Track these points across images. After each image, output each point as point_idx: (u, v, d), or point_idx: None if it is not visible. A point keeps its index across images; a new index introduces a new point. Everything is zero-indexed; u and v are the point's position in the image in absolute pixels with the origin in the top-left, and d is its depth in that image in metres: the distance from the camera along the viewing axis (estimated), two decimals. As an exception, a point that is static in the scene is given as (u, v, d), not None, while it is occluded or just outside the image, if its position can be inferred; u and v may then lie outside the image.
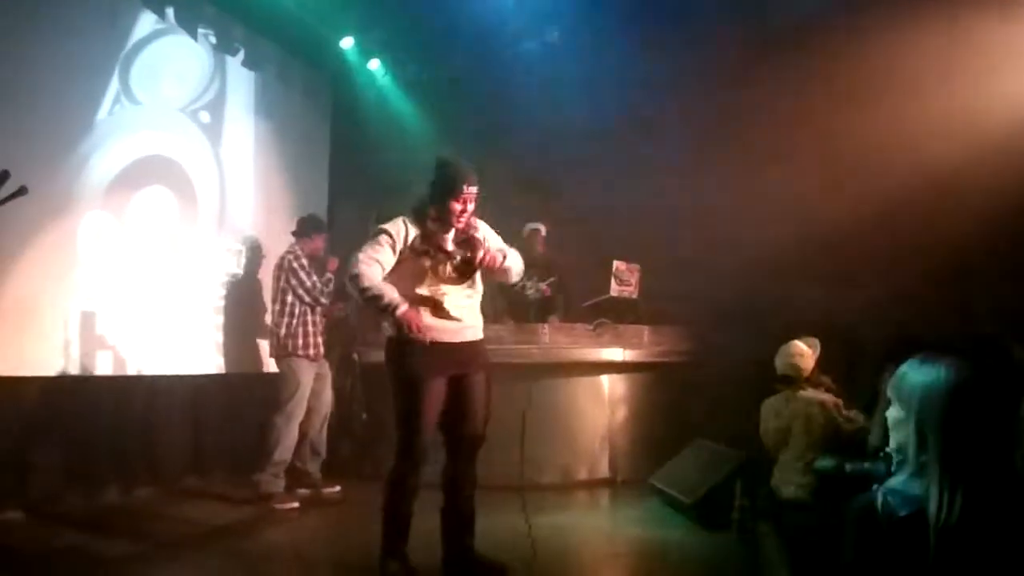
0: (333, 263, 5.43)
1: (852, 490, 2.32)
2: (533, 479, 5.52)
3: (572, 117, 6.84)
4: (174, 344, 5.55)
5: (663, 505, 4.90)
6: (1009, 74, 5.59)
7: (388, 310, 3.32)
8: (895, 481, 2.02)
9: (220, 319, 5.96)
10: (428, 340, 3.33)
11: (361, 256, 3.36)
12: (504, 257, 3.56)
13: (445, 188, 3.46)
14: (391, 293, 3.34)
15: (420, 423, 3.42)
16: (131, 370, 5.22)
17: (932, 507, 1.88)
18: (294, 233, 5.51)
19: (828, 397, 4.07)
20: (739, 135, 6.23)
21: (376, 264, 3.36)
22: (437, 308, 3.45)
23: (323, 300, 5.33)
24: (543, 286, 6.45)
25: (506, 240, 6.51)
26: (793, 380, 4.16)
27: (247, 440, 5.69)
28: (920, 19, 5.67)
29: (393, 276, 3.42)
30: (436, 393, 3.43)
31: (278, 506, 5.00)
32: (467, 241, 3.51)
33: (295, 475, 5.26)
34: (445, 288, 3.47)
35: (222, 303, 5.99)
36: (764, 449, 4.26)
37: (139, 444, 5.26)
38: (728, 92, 6.29)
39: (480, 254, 3.46)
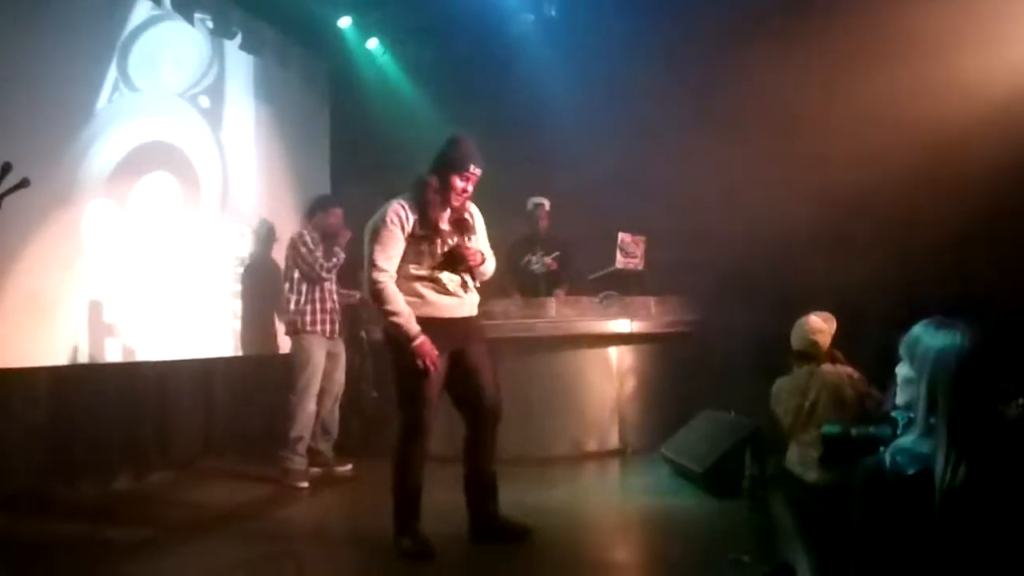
0: (345, 235, 5.44)
1: (858, 454, 2.30)
2: (544, 451, 5.59)
3: (573, 90, 6.81)
4: (182, 329, 5.58)
5: (674, 474, 4.93)
6: (1011, 42, 5.54)
7: (407, 338, 3.38)
8: (904, 440, 2.04)
9: (227, 302, 6.00)
10: (431, 369, 3.40)
11: (377, 261, 3.41)
12: (483, 260, 3.63)
13: (452, 161, 3.51)
14: (411, 321, 3.40)
15: (423, 400, 3.45)
16: (141, 356, 5.25)
17: (938, 468, 1.90)
18: (307, 215, 5.62)
19: (852, 371, 3.95)
20: (741, 104, 6.18)
21: (392, 263, 3.43)
22: (436, 284, 3.51)
23: (324, 275, 5.33)
24: (548, 260, 6.45)
25: (508, 214, 6.59)
26: (812, 357, 4.01)
27: (259, 421, 5.75)
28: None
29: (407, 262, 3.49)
30: (438, 370, 3.45)
31: (292, 483, 5.08)
32: (459, 223, 3.58)
33: (308, 454, 5.31)
34: (445, 274, 3.53)
35: (229, 286, 6.03)
36: (777, 429, 4.15)
37: (151, 429, 5.30)
38: (729, 61, 6.23)
39: (467, 240, 3.57)
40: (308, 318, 5.30)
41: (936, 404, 1.97)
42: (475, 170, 3.52)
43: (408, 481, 3.51)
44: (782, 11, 6.02)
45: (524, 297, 6.27)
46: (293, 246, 5.39)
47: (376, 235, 3.45)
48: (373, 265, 3.41)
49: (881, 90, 5.76)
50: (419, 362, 3.36)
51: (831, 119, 5.86)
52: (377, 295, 3.40)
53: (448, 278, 3.54)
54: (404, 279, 3.48)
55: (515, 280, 6.46)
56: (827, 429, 3.59)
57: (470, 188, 3.56)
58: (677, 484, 4.80)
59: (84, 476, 4.76)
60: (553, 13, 7.28)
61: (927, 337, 2.04)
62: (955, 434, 1.92)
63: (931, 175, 5.44)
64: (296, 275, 5.34)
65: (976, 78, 5.48)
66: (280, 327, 5.77)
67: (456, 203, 3.56)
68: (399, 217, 3.46)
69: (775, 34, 6.01)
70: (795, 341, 4.08)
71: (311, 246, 5.34)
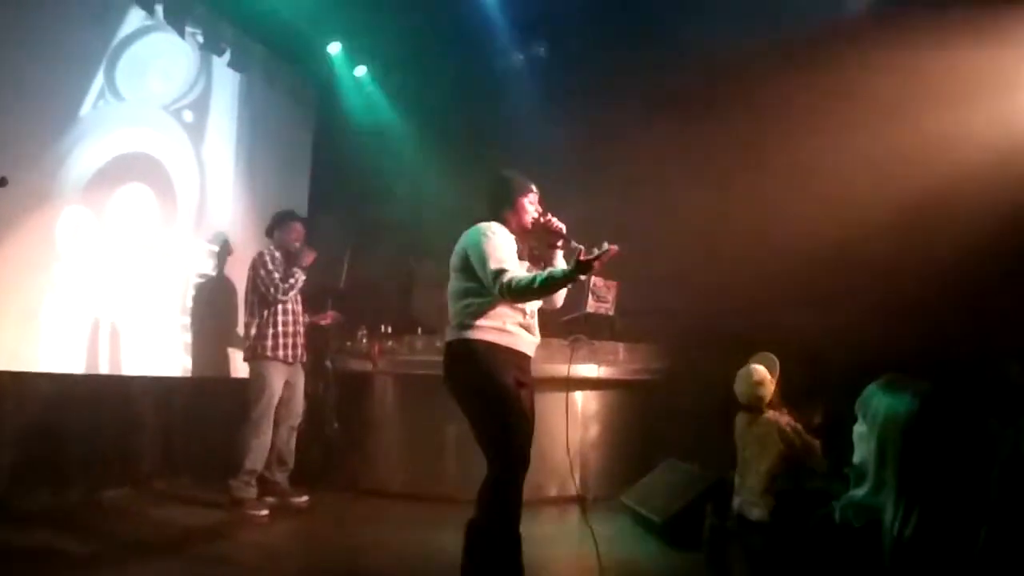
0: (310, 257, 5.39)
1: (812, 508, 2.35)
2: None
3: (554, 131, 6.91)
4: (148, 344, 5.54)
5: (634, 524, 4.94)
6: (983, 101, 5.72)
7: (570, 278, 3.14)
8: (854, 494, 2.11)
9: (195, 321, 5.97)
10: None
11: (494, 266, 3.19)
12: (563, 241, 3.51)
13: (514, 190, 3.49)
14: (551, 270, 3.25)
15: (526, 430, 3.25)
16: (104, 369, 5.19)
17: (887, 521, 1.97)
18: (266, 233, 5.55)
19: (787, 420, 4.14)
20: (716, 155, 6.34)
21: (511, 262, 3.25)
22: (521, 316, 3.39)
23: (280, 297, 5.23)
24: None
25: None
26: (755, 408, 4.23)
27: (218, 444, 5.67)
28: (898, 45, 5.79)
29: (481, 287, 3.28)
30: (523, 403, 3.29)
31: (249, 512, 5.01)
32: (547, 231, 3.47)
33: (262, 483, 5.25)
34: (532, 307, 3.45)
35: (197, 305, 5.99)
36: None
37: (111, 444, 5.23)
38: (709, 111, 6.39)
39: (563, 228, 3.46)
40: (268, 343, 5.22)
41: (886, 460, 2.04)
42: (535, 190, 3.54)
43: (516, 529, 3.22)
44: (763, 63, 6.20)
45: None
46: (253, 267, 5.32)
47: (487, 241, 3.26)
48: (498, 272, 3.17)
49: (858, 145, 5.94)
50: (601, 261, 3.06)
51: (808, 171, 6.03)
52: (519, 291, 3.14)
53: (534, 308, 3.46)
54: (488, 301, 3.30)
55: None
56: (781, 484, 3.75)
57: (539, 207, 3.53)
58: (637, 533, 4.80)
59: (41, 486, 4.69)
60: (542, 52, 7.41)
61: (878, 396, 2.12)
62: (904, 490, 1.98)
63: (906, 229, 5.59)
64: (256, 298, 5.27)
65: (954, 133, 5.66)
66: (233, 350, 5.72)
67: (541, 217, 3.48)
68: (500, 230, 3.35)
69: (756, 85, 6.18)
70: (740, 392, 4.29)
71: (270, 267, 5.25)
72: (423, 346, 6.16)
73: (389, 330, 6.36)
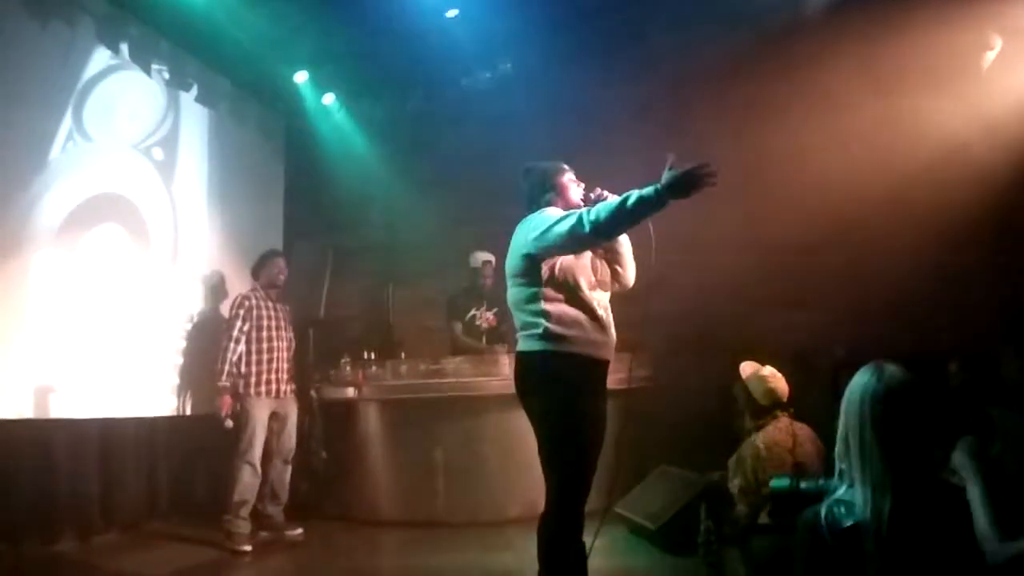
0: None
1: (805, 507, 2.27)
2: (498, 514, 5.63)
3: (525, 148, 6.99)
4: (129, 385, 5.56)
5: (628, 532, 5.00)
6: (954, 94, 5.89)
7: (660, 197, 2.87)
8: (840, 491, 2.06)
9: (177, 359, 6.01)
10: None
11: (576, 216, 2.93)
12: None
13: (551, 172, 3.33)
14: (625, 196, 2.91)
15: (596, 454, 3.08)
16: (85, 413, 5.21)
17: (864, 517, 1.94)
18: (252, 275, 5.68)
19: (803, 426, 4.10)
20: (691, 159, 6.44)
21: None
22: (595, 318, 3.14)
23: (225, 345, 5.27)
24: (490, 316, 6.59)
25: (458, 268, 6.71)
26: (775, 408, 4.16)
27: (206, 482, 5.70)
28: (859, 37, 5.97)
29: (560, 287, 3.09)
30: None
31: (235, 547, 5.05)
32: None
33: (256, 517, 5.30)
34: (599, 295, 3.21)
35: (178, 343, 6.04)
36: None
37: (96, 489, 5.24)
38: (677, 119, 6.53)
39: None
40: (253, 379, 5.32)
41: (848, 449, 2.03)
42: (567, 167, 3.35)
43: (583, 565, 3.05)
44: (734, 71, 6.35)
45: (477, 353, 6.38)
46: (238, 305, 5.43)
47: (547, 216, 3.07)
48: (575, 220, 2.90)
49: (831, 146, 6.08)
50: (701, 175, 2.86)
51: (784, 176, 6.17)
52: (609, 220, 2.85)
53: (606, 304, 3.22)
54: (559, 302, 3.09)
55: (463, 334, 6.57)
56: (775, 483, 3.76)
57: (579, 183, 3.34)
58: (631, 541, 4.87)
59: (27, 536, 4.68)
60: (510, 67, 7.53)
61: (852, 382, 2.09)
62: (874, 480, 1.96)
63: (883, 229, 5.73)
64: (235, 334, 5.34)
65: (922, 134, 5.82)
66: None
67: (587, 200, 3.25)
68: (556, 210, 3.14)
69: (728, 94, 6.33)
70: (762, 396, 4.17)
71: (233, 312, 5.38)
72: (407, 370, 6.23)
73: (372, 356, 6.42)
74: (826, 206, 5.91)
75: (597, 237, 2.94)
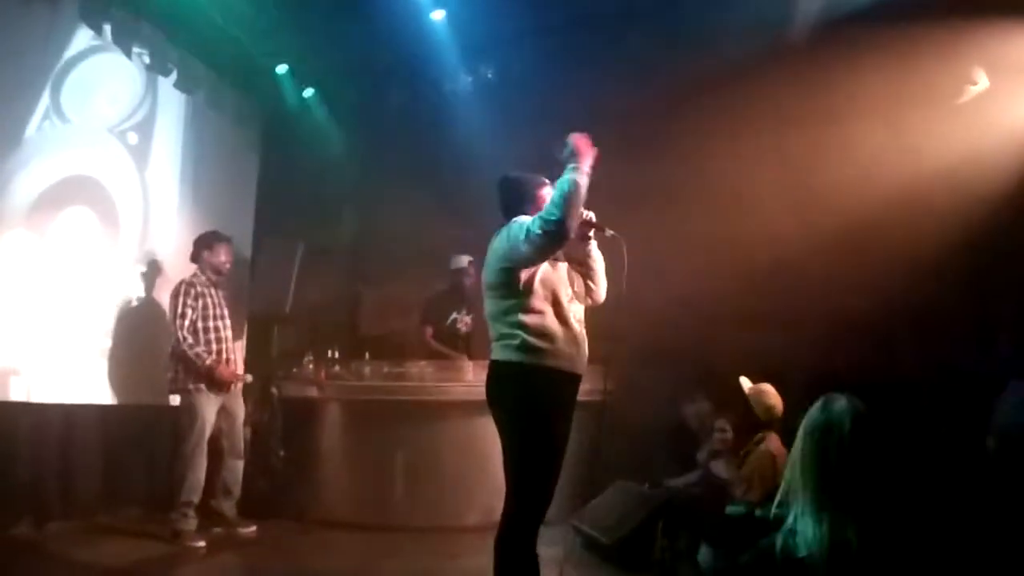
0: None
1: (758, 535, 2.31)
2: (456, 520, 5.68)
3: (503, 154, 7.07)
4: (91, 372, 5.54)
5: (583, 546, 5.05)
6: (922, 116, 6.05)
7: (575, 169, 3.08)
8: (790, 520, 2.10)
9: (138, 347, 5.94)
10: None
11: (541, 215, 3.05)
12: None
13: (531, 183, 3.40)
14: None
15: (557, 470, 3.16)
16: (47, 397, 5.16)
17: (812, 548, 2.00)
18: (192, 258, 5.53)
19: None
20: (664, 176, 6.57)
21: None
22: (571, 331, 3.23)
23: (185, 335, 5.19)
24: (468, 320, 6.65)
25: (434, 268, 6.76)
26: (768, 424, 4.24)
27: (161, 475, 5.67)
28: (836, 65, 6.11)
29: (538, 299, 3.16)
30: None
31: (187, 544, 5.05)
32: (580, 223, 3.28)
33: (208, 514, 5.30)
34: (575, 308, 3.30)
35: (140, 331, 5.98)
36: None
37: (53, 475, 5.20)
38: (657, 137, 6.65)
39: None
40: (196, 375, 5.22)
41: (803, 483, 2.09)
42: (548, 181, 3.38)
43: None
44: (711, 91, 6.47)
45: (448, 354, 6.43)
46: (184, 293, 5.28)
47: (519, 225, 3.14)
48: (528, 225, 3.05)
49: (801, 166, 6.23)
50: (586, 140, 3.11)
51: (751, 193, 6.30)
52: (554, 211, 3.00)
53: (579, 316, 3.30)
54: (537, 314, 3.16)
55: (439, 337, 6.61)
56: (732, 509, 3.83)
57: None
58: (586, 556, 4.91)
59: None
60: (490, 76, 7.60)
61: (808, 416, 2.16)
62: (819, 512, 2.02)
63: (851, 252, 5.88)
64: (185, 322, 5.24)
65: (895, 159, 5.99)
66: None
67: None
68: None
69: (703, 113, 6.45)
70: (763, 412, 4.25)
71: (180, 299, 5.25)
72: (371, 372, 6.28)
73: (336, 355, 6.43)
74: (797, 225, 6.06)
75: (548, 233, 3.01)
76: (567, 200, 3.02)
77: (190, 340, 5.22)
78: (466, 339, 6.72)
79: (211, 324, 5.35)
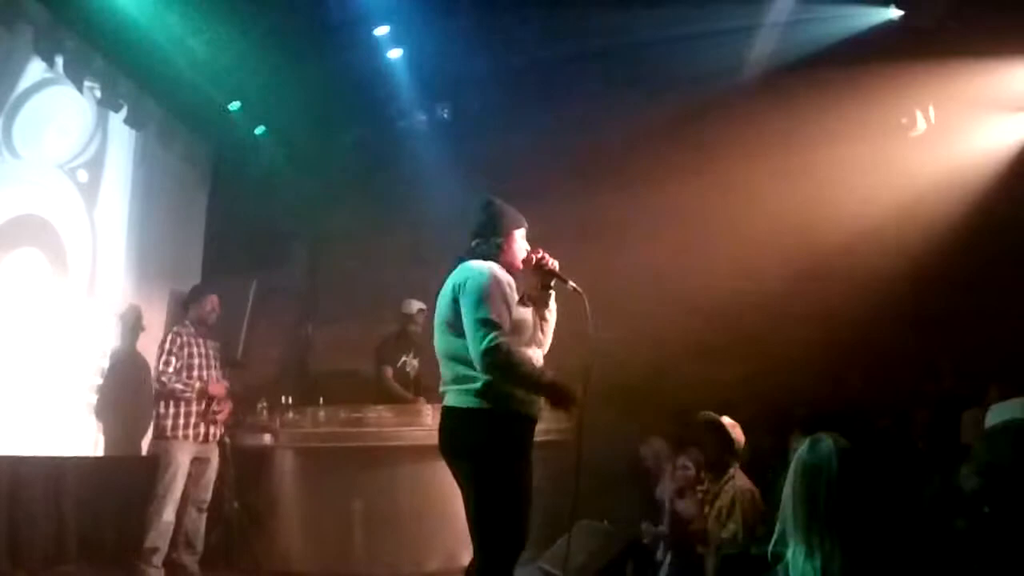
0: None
1: (754, 573, 2.43)
2: (416, 566, 5.72)
3: (457, 193, 7.23)
4: (40, 422, 5.43)
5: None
6: (871, 149, 6.42)
7: (543, 386, 3.08)
8: (788, 556, 2.24)
9: (90, 397, 5.89)
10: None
11: (491, 316, 3.03)
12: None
13: (509, 220, 3.37)
14: (540, 368, 3.15)
15: (528, 512, 3.12)
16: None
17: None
18: (182, 307, 5.79)
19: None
20: (619, 212, 6.79)
21: (505, 323, 3.07)
22: None
23: (156, 385, 5.39)
24: (416, 363, 6.74)
25: (384, 311, 6.81)
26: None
27: (118, 527, 5.59)
28: (787, 104, 6.43)
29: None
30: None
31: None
32: (542, 272, 3.37)
33: (169, 566, 5.29)
34: (535, 352, 3.31)
35: (91, 380, 5.93)
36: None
37: (3, 528, 5.03)
38: (611, 176, 6.89)
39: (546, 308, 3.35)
40: (169, 422, 5.36)
41: (795, 520, 2.23)
42: (526, 224, 3.42)
43: None
44: (666, 131, 6.75)
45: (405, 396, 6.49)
46: (170, 341, 5.49)
47: (484, 290, 3.07)
48: (488, 323, 3.00)
49: (760, 206, 6.51)
50: (563, 403, 3.05)
51: (708, 230, 6.56)
52: (505, 360, 2.98)
53: (535, 358, 3.29)
54: None
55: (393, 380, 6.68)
56: (726, 548, 3.93)
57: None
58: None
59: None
60: (446, 114, 7.77)
61: (799, 456, 2.31)
62: (814, 548, 2.15)
63: (804, 284, 6.14)
64: (168, 370, 5.41)
65: (847, 198, 6.30)
66: (138, 426, 5.78)
67: (527, 262, 3.37)
68: (502, 276, 3.17)
69: (658, 151, 6.72)
70: (738, 445, 4.32)
71: (169, 352, 5.44)
72: (326, 417, 6.27)
73: (290, 401, 6.43)
74: (752, 264, 6.32)
75: (485, 362, 3.01)
76: (519, 380, 3.08)
77: (174, 379, 5.36)
78: (416, 382, 6.80)
79: (195, 373, 5.51)
